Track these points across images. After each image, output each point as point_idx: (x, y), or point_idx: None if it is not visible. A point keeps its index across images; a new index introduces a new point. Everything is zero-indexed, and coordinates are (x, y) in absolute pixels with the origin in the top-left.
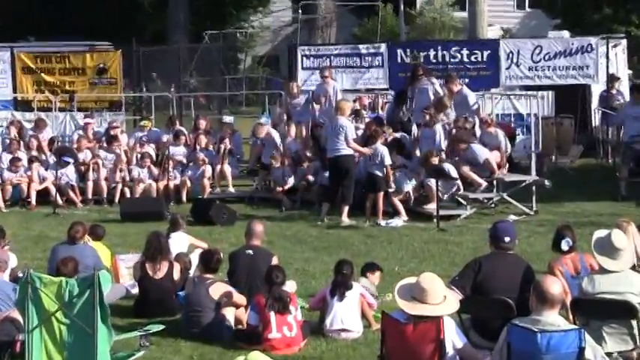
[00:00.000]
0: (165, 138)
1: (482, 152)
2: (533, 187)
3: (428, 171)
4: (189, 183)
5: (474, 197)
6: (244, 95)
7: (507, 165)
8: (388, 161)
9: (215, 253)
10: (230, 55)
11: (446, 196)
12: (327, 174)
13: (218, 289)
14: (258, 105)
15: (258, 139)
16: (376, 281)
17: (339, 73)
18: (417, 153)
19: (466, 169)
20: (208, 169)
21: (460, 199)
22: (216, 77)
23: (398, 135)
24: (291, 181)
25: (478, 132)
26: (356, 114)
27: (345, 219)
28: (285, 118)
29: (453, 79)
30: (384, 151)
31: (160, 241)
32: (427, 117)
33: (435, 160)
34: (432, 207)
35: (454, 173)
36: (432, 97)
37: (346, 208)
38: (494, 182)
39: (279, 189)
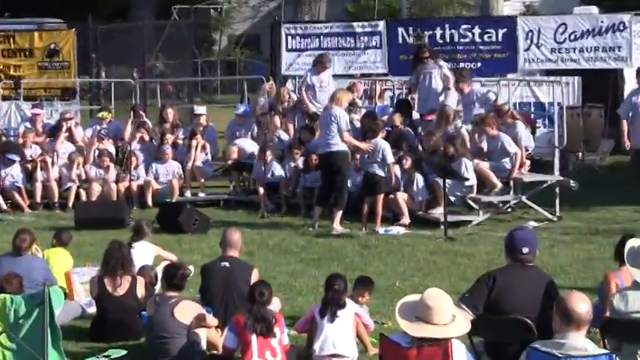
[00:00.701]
0: (127, 131)
1: (510, 143)
2: (557, 189)
3: (434, 169)
4: (155, 184)
5: (488, 201)
6: (219, 81)
7: (527, 163)
8: (391, 159)
9: (180, 267)
10: (203, 34)
11: (453, 197)
12: (309, 175)
13: (185, 309)
14: (236, 92)
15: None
16: (365, 304)
17: (330, 55)
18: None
19: (484, 165)
20: (178, 168)
21: (472, 202)
22: (186, 60)
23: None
24: (277, 172)
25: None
26: (350, 104)
27: (338, 226)
28: (268, 108)
29: (466, 78)
30: (385, 147)
31: (122, 251)
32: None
33: (450, 150)
34: (438, 212)
35: (469, 171)
36: (439, 83)
37: (339, 214)
38: (511, 183)
39: (260, 188)
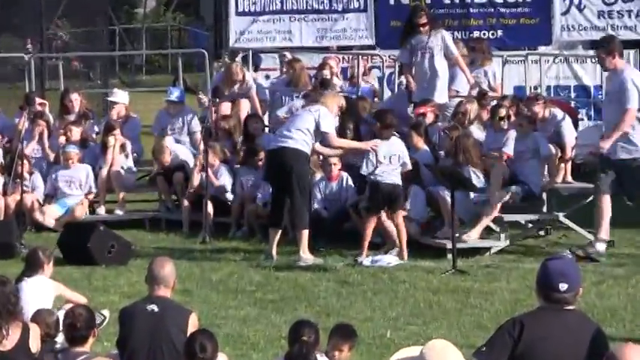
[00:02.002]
0: (18, 126)
1: (546, 145)
2: None
3: (440, 176)
4: (56, 197)
5: (512, 220)
6: (144, 57)
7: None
8: (409, 165)
9: (79, 313)
10: None
11: (464, 215)
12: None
13: None
14: (167, 72)
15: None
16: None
17: (295, 21)
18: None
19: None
20: (87, 175)
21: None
22: (99, 28)
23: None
24: (224, 181)
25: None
26: (323, 84)
27: (305, 254)
28: (212, 94)
29: (485, 53)
30: (404, 149)
31: (4, 291)
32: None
33: (459, 156)
34: (444, 235)
35: (480, 180)
36: (443, 64)
37: (304, 237)
38: (544, 196)
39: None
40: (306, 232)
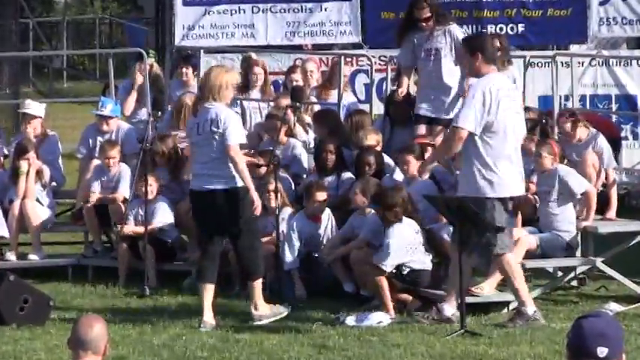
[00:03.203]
0: None
1: (578, 180)
2: None
3: (443, 209)
4: None
5: (537, 266)
6: (66, 59)
7: (611, 202)
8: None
9: None
10: None
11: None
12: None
13: None
14: (95, 77)
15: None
16: None
17: (259, 13)
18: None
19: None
20: None
21: None
22: (7, 21)
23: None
24: (161, 216)
25: None
26: (294, 95)
27: (260, 310)
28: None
29: (502, 53)
30: (417, 226)
31: None
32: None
33: None
34: (450, 287)
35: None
36: (450, 69)
37: (257, 287)
38: (579, 237)
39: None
40: (260, 281)
